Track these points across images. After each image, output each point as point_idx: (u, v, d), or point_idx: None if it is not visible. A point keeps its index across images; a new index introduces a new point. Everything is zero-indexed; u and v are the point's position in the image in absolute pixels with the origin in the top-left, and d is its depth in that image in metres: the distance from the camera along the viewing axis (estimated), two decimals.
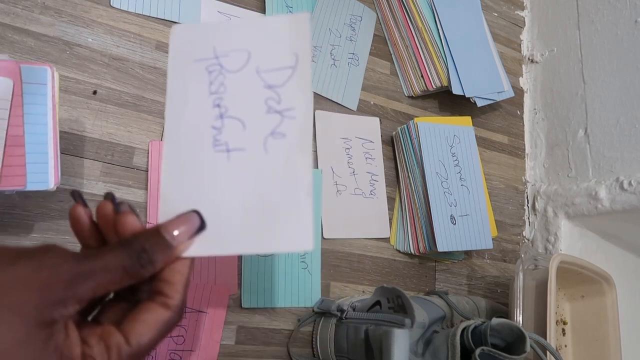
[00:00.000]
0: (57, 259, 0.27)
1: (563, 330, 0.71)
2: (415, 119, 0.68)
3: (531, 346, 0.49)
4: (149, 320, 0.29)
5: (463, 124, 0.72)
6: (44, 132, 0.43)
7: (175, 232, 0.30)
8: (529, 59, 0.91)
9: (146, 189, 0.56)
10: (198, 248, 0.31)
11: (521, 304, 0.62)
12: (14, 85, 0.42)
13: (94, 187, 0.54)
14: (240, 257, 0.59)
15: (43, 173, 0.43)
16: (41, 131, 0.43)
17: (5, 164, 0.41)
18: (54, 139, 0.44)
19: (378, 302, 0.54)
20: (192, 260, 0.31)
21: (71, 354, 0.27)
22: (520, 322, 0.61)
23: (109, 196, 0.32)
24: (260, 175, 0.33)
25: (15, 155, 0.42)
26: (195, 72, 0.35)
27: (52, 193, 0.51)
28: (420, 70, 0.74)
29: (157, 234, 0.30)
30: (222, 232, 0.32)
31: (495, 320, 0.48)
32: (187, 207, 0.31)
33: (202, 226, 0.31)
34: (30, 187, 0.42)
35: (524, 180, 0.86)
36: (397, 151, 0.72)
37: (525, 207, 0.84)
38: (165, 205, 0.32)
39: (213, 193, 0.33)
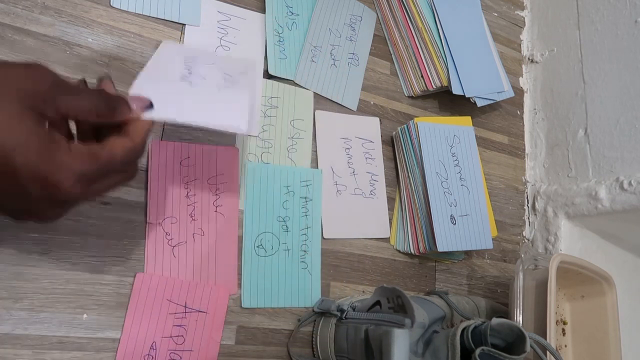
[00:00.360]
0: (44, 70, 0.35)
1: (563, 330, 0.71)
2: (415, 119, 0.68)
3: (531, 346, 0.49)
4: (119, 142, 0.38)
5: (463, 124, 0.72)
6: None
7: (133, 103, 0.40)
8: (529, 59, 0.91)
9: (146, 189, 0.56)
10: (156, 113, 0.41)
11: (521, 304, 0.62)
12: None
13: None
14: (240, 257, 0.59)
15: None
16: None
17: None
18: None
19: (378, 302, 0.54)
20: (152, 121, 0.41)
21: (60, 138, 0.35)
22: (520, 322, 0.61)
23: (83, 80, 0.41)
24: (212, 92, 0.48)
25: None
26: (175, 55, 0.51)
27: None
28: (420, 70, 0.74)
29: (123, 98, 0.40)
30: (177, 108, 0.44)
31: (495, 320, 0.48)
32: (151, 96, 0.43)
33: (150, 106, 0.41)
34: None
35: (524, 180, 0.86)
36: (397, 151, 0.72)
37: (525, 207, 0.84)
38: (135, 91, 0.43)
39: (174, 94, 0.46)
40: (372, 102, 0.73)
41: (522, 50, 0.92)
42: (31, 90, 0.33)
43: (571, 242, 0.77)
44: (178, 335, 0.54)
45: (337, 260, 0.65)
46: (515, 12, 0.93)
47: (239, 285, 0.59)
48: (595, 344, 0.68)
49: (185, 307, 0.55)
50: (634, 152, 0.71)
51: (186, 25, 0.61)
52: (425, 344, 0.52)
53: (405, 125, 0.70)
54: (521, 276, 0.62)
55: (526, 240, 0.82)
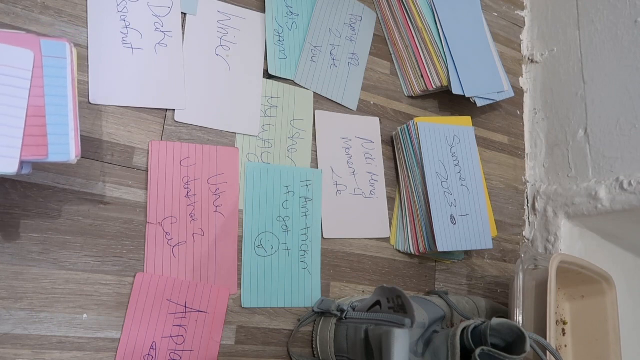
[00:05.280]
0: None
1: (563, 330, 0.71)
2: (415, 119, 0.68)
3: (531, 346, 0.49)
4: None
5: (463, 124, 0.72)
6: (65, 104, 0.43)
7: None
8: (529, 59, 0.91)
9: (146, 189, 0.56)
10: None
11: (521, 304, 0.62)
12: (34, 57, 0.42)
13: (94, 187, 0.54)
14: (240, 257, 0.59)
15: (64, 144, 0.43)
16: (61, 103, 0.43)
17: (27, 133, 0.41)
18: (74, 112, 0.43)
19: (378, 302, 0.53)
20: None
21: None
22: (520, 322, 0.61)
23: None
24: (152, 63, 0.56)
25: (37, 126, 0.42)
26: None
27: (52, 193, 0.51)
28: (420, 70, 0.74)
29: None
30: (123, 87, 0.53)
31: (495, 320, 0.48)
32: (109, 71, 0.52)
33: None
34: (52, 158, 0.42)
35: (524, 180, 0.86)
36: (397, 151, 0.72)
37: (525, 207, 0.84)
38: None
39: (121, 65, 0.55)
40: (372, 102, 0.73)
41: (522, 50, 0.92)
42: None
43: (571, 242, 0.77)
44: (178, 335, 0.54)
45: (337, 260, 0.65)
46: (515, 12, 0.93)
47: (239, 285, 0.59)
48: (595, 344, 0.68)
49: (185, 307, 0.55)
50: (634, 152, 0.71)
51: (186, 24, 0.61)
52: (425, 344, 0.52)
53: (405, 125, 0.70)
54: (521, 276, 0.62)
55: (526, 240, 0.82)
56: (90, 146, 0.54)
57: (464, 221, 0.68)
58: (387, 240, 0.70)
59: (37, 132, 0.42)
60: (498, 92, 0.76)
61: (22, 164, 0.41)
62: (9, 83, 0.41)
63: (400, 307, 0.50)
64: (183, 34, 0.61)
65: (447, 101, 0.79)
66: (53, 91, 0.43)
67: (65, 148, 0.42)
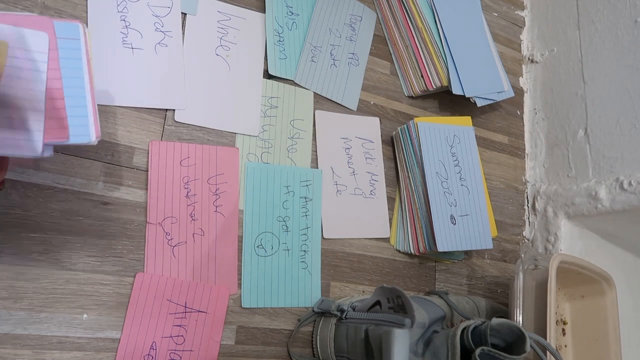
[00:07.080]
0: None
1: (563, 330, 0.71)
2: (415, 119, 0.68)
3: (531, 346, 0.49)
4: None
5: (463, 124, 0.72)
6: (81, 85, 0.43)
7: None
8: (529, 59, 0.91)
9: (146, 189, 0.56)
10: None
11: (521, 304, 0.62)
12: (49, 39, 0.42)
13: (94, 187, 0.54)
14: (240, 257, 0.59)
15: (84, 126, 0.42)
16: (78, 84, 0.43)
17: (47, 116, 0.40)
18: (91, 93, 0.43)
19: (378, 302, 0.53)
20: None
21: None
22: (520, 322, 0.61)
23: None
24: (152, 63, 0.57)
25: (56, 108, 0.41)
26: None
27: (52, 193, 0.51)
28: (420, 70, 0.74)
29: None
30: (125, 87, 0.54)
31: (495, 320, 0.48)
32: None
33: None
34: (73, 140, 0.41)
35: (524, 180, 0.86)
36: (397, 151, 0.72)
37: (525, 207, 0.84)
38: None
39: (121, 65, 0.55)
40: (372, 102, 0.73)
41: (522, 50, 0.92)
42: None
43: (571, 242, 0.77)
44: (178, 335, 0.54)
45: (337, 260, 0.65)
46: (515, 12, 0.93)
47: (239, 285, 0.59)
48: (595, 344, 0.68)
49: (185, 307, 0.55)
50: (634, 152, 0.71)
51: (186, 24, 0.61)
52: (425, 344, 0.52)
53: (405, 125, 0.70)
54: (521, 276, 0.62)
55: (526, 240, 0.82)
56: (90, 146, 0.54)
57: (464, 221, 0.68)
58: (387, 240, 0.70)
59: (57, 115, 0.41)
60: (498, 92, 0.76)
61: (44, 146, 0.40)
62: (27, 67, 0.40)
63: (400, 307, 0.50)
64: (183, 34, 0.61)
65: (447, 101, 0.79)
66: (69, 73, 0.42)
67: (86, 130, 0.42)
